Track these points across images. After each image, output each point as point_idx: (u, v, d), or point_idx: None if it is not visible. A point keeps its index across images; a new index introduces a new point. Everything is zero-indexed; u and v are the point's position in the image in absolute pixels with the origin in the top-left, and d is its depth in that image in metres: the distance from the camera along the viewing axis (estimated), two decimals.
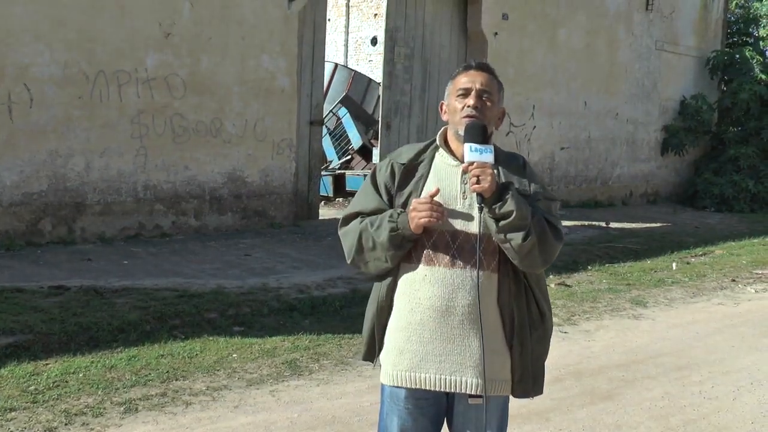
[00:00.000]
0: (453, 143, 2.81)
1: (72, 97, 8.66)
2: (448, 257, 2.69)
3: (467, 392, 2.71)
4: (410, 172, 2.79)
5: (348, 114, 15.97)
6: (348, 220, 2.84)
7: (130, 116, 9.17)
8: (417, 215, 2.61)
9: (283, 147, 10.73)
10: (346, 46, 21.52)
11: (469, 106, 2.73)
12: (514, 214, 2.58)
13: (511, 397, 2.84)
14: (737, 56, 18.61)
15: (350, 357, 5.83)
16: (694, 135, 18.36)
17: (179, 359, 5.50)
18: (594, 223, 13.31)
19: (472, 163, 2.63)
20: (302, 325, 6.50)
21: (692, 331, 7.16)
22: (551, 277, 9.00)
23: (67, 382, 4.95)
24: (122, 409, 4.64)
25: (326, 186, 14.28)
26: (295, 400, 4.96)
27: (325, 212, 12.58)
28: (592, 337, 6.76)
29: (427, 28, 13.11)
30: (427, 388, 2.73)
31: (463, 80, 2.79)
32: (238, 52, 10.08)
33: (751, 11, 20.70)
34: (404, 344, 2.75)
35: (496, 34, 13.67)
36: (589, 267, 9.69)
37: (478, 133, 2.68)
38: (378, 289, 2.84)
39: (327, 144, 15.55)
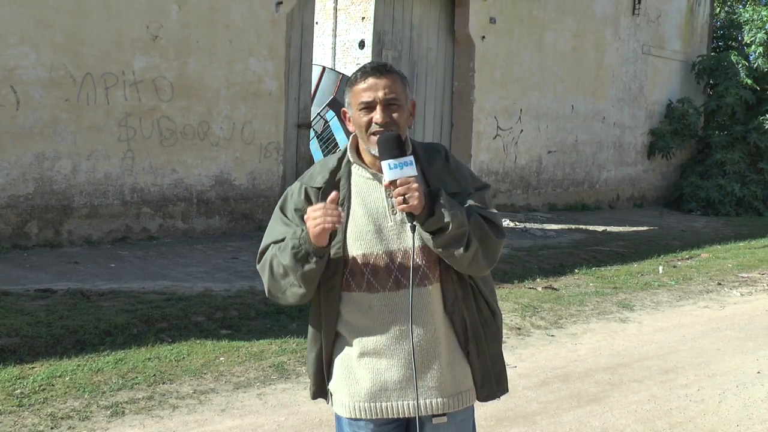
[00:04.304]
0: (366, 156, 2.55)
1: (59, 100, 8.63)
2: (391, 280, 2.49)
3: (432, 413, 2.58)
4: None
5: (335, 117, 15.97)
6: (263, 254, 2.59)
7: (117, 119, 9.14)
8: (312, 223, 2.36)
9: (271, 150, 10.72)
10: (334, 49, 21.51)
11: (377, 123, 2.46)
12: (450, 226, 2.38)
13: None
14: (723, 61, 18.74)
15: None
16: (680, 138, 18.49)
17: (166, 362, 5.49)
18: (581, 226, 13.36)
19: (394, 182, 2.36)
20: (289, 329, 6.50)
21: (678, 334, 7.20)
22: (538, 280, 9.04)
23: (53, 385, 4.93)
24: (109, 412, 4.62)
25: None
26: (282, 404, 4.96)
27: None
28: (578, 341, 6.78)
29: (415, 32, 13.14)
30: (391, 416, 2.57)
31: (364, 91, 2.48)
32: (225, 55, 10.07)
33: (736, 16, 20.85)
34: (359, 373, 2.56)
35: (483, 37, 13.71)
36: (576, 270, 9.72)
37: (393, 146, 2.40)
38: (318, 327, 2.63)
39: (314, 147, 15.52)
